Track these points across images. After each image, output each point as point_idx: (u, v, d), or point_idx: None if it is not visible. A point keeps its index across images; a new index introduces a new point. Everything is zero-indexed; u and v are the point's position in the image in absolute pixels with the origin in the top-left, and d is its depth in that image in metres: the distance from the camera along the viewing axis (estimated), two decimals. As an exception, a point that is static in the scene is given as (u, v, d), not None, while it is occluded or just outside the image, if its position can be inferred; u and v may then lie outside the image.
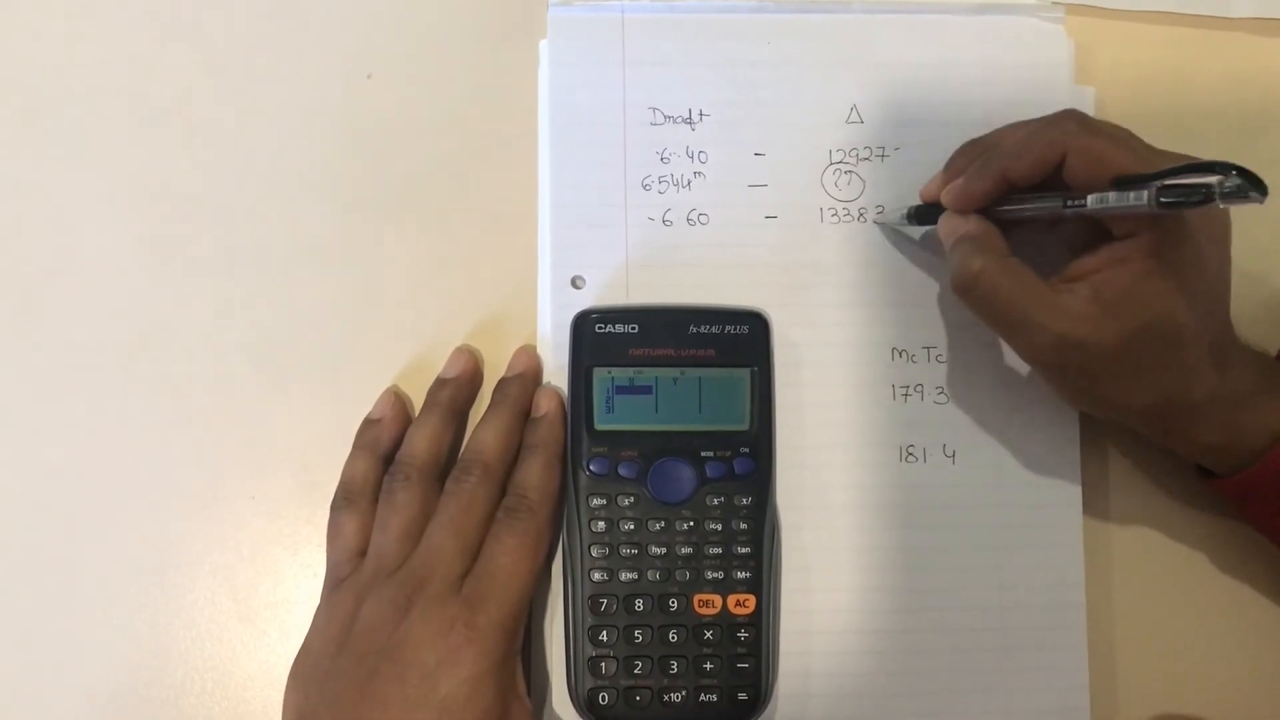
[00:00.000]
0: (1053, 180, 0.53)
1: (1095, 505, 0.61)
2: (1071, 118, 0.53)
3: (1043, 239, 0.57)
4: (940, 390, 0.61)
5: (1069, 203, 0.51)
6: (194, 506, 0.60)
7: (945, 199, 0.56)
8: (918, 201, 0.59)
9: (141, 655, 0.59)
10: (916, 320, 0.61)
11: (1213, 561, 0.60)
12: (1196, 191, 0.45)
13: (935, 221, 0.57)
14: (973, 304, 0.54)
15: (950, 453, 0.60)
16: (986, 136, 0.56)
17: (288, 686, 0.54)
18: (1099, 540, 0.61)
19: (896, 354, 0.61)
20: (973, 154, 0.56)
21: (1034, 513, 0.60)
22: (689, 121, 0.61)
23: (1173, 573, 0.61)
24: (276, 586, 0.60)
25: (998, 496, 0.60)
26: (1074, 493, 0.60)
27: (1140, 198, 0.47)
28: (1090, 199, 0.50)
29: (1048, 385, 0.57)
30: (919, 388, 0.61)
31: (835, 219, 0.61)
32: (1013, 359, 0.60)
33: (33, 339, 0.61)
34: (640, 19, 0.61)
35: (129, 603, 0.59)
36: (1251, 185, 0.44)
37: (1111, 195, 0.49)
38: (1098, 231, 0.53)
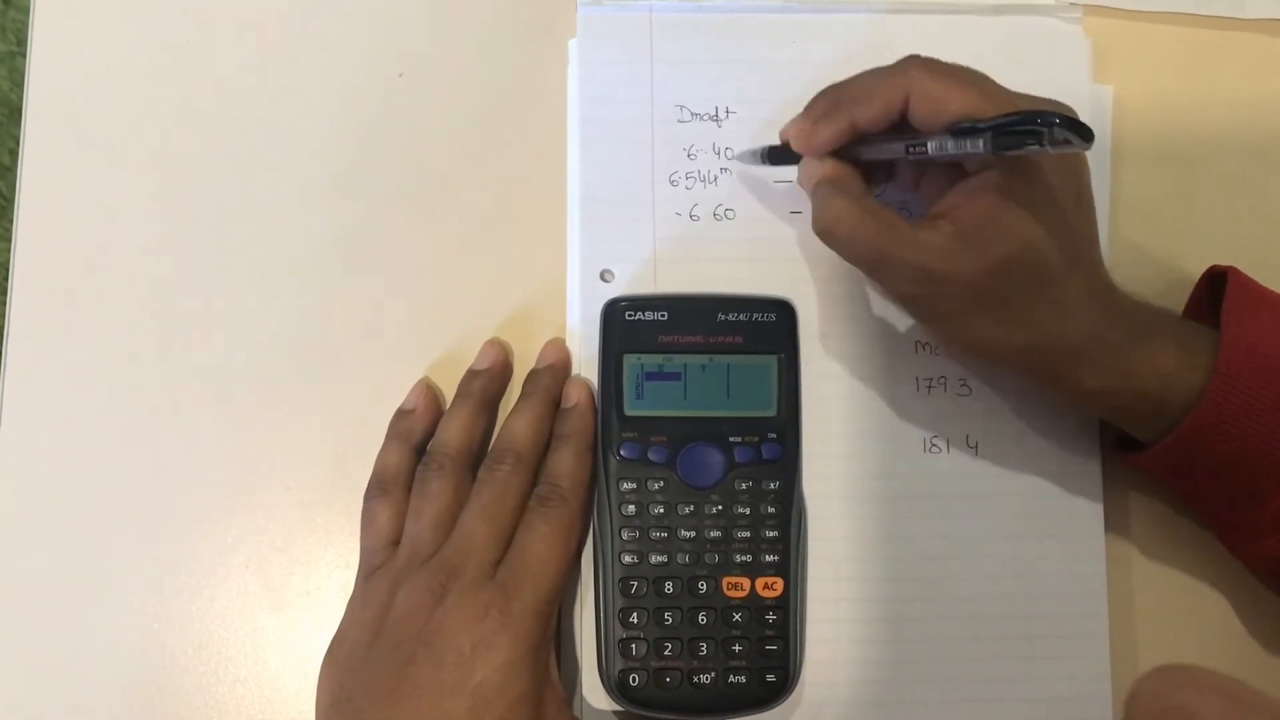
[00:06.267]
0: (905, 124, 0.53)
1: (1116, 494, 0.61)
2: (916, 62, 0.52)
3: (907, 197, 0.59)
4: (963, 382, 0.61)
5: (911, 148, 0.51)
6: (228, 496, 0.61)
7: (793, 143, 0.56)
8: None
9: (175, 644, 0.60)
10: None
11: (1234, 547, 0.60)
12: (1027, 139, 0.46)
13: (788, 162, 0.57)
14: (835, 246, 0.53)
15: (973, 444, 0.61)
16: (845, 80, 0.55)
17: (321, 674, 0.55)
18: (1120, 529, 0.61)
19: (920, 347, 0.61)
20: (830, 97, 0.56)
21: (1055, 502, 0.61)
22: (715, 119, 0.62)
23: (1195, 560, 0.61)
24: (310, 576, 0.60)
25: (1019, 487, 0.61)
26: (1095, 482, 0.61)
27: (977, 145, 0.48)
28: (930, 145, 0.50)
29: (925, 330, 0.58)
30: (942, 380, 0.61)
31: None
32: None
33: (70, 332, 0.62)
34: (668, 18, 0.62)
35: (163, 591, 0.60)
36: (1077, 133, 0.45)
37: (950, 142, 0.49)
38: (954, 178, 0.53)
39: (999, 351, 0.54)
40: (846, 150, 0.55)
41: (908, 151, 0.51)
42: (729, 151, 0.62)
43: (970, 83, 0.51)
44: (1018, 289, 0.51)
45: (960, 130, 0.49)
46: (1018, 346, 0.53)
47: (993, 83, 0.52)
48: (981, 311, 0.52)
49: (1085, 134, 0.45)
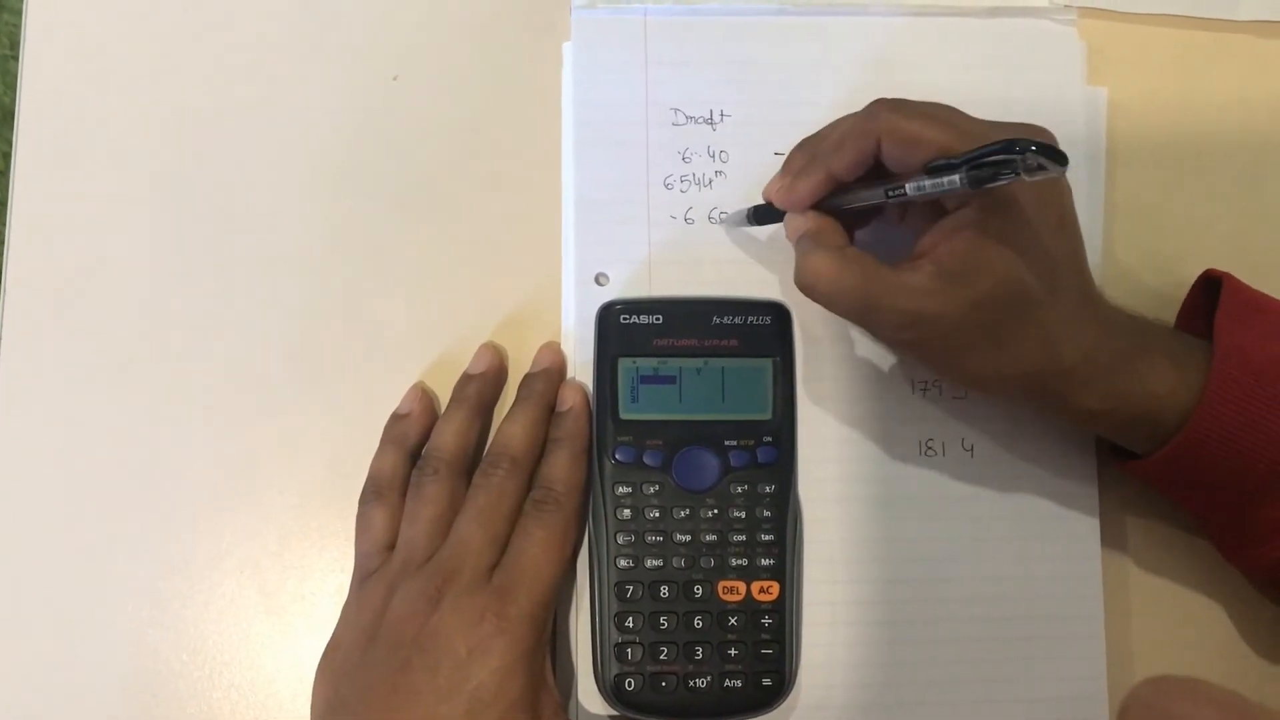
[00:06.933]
0: (882, 168, 0.53)
1: (1112, 497, 0.61)
2: (885, 105, 0.52)
3: (893, 232, 0.57)
4: (958, 385, 0.61)
5: (890, 192, 0.51)
6: (222, 500, 0.61)
7: (775, 200, 0.57)
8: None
9: (169, 648, 0.59)
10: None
11: (1229, 548, 0.60)
12: (1002, 171, 0.46)
13: (774, 220, 0.58)
14: (820, 299, 0.53)
15: (969, 447, 0.61)
16: (819, 132, 0.56)
17: (316, 679, 0.55)
18: (1116, 531, 0.61)
19: (914, 350, 0.61)
20: (806, 151, 0.56)
21: (1051, 504, 0.61)
22: (710, 122, 0.62)
23: (1190, 563, 0.61)
24: (304, 580, 0.60)
25: (1015, 489, 0.61)
26: (1090, 484, 0.61)
27: (954, 182, 0.48)
28: (909, 186, 0.50)
29: (925, 370, 0.58)
30: (937, 383, 0.61)
31: (853, 217, 0.62)
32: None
33: (64, 336, 0.61)
34: (663, 21, 0.62)
35: (157, 596, 0.60)
36: (1051, 159, 0.45)
37: (927, 181, 0.49)
38: (937, 213, 0.53)
39: (997, 382, 0.54)
40: (828, 201, 0.55)
41: (887, 195, 0.51)
42: (724, 155, 0.62)
43: (940, 119, 0.51)
44: (1004, 320, 0.51)
45: (935, 168, 0.49)
46: (1014, 375, 0.53)
47: (963, 116, 0.52)
48: (974, 346, 0.52)
49: (1059, 159, 0.45)
